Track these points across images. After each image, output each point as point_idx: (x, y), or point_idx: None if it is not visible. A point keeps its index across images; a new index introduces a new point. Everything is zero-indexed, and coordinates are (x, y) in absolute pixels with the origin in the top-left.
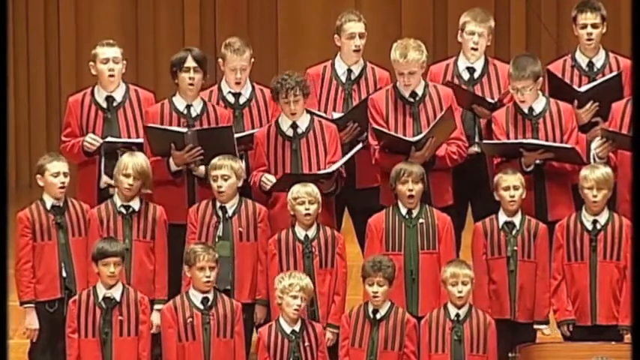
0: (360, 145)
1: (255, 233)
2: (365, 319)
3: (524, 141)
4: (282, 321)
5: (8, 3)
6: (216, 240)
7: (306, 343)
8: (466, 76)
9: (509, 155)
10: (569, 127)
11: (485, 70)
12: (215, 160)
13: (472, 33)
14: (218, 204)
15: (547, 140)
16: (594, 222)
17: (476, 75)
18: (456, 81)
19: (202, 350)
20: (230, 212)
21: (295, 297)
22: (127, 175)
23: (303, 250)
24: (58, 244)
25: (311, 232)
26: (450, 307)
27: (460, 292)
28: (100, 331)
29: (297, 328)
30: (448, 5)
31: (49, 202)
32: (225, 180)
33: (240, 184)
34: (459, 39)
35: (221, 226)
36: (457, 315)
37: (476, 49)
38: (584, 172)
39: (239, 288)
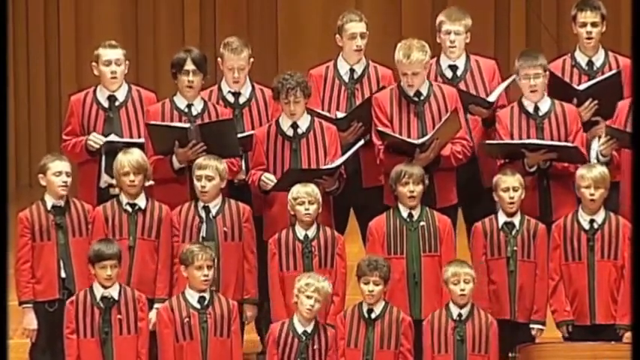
0: (362, 142)
1: (240, 233)
2: (360, 319)
3: (527, 141)
4: (295, 320)
5: (8, 3)
6: (200, 241)
7: (316, 346)
8: (449, 74)
9: (512, 156)
10: (573, 128)
11: (467, 67)
12: (200, 160)
13: (448, 32)
14: (201, 204)
15: (552, 141)
16: (591, 221)
17: (459, 72)
18: (439, 80)
19: (200, 349)
20: (214, 212)
21: (309, 297)
22: (127, 174)
23: (302, 250)
24: (57, 244)
25: (311, 232)
26: (452, 307)
27: (463, 290)
28: (100, 330)
29: (309, 329)
30: (448, 5)
31: (49, 202)
32: (209, 180)
33: (223, 185)
34: (438, 39)
35: (204, 226)
36: (459, 315)
37: (453, 48)
38: (582, 171)
39: (224, 288)
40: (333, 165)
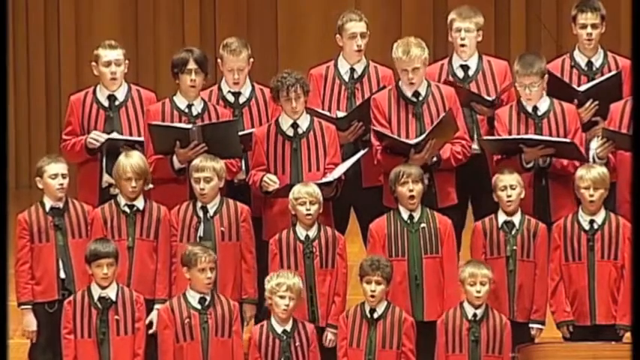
0: (361, 152)
1: (238, 233)
2: (362, 319)
3: (525, 137)
4: (273, 321)
5: (8, 3)
6: (198, 241)
7: (297, 343)
8: (461, 74)
9: (510, 152)
10: (572, 127)
11: (479, 67)
12: (196, 162)
13: (459, 30)
14: (199, 204)
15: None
16: (591, 222)
17: (470, 72)
18: (451, 79)
19: (200, 350)
20: (211, 212)
21: (283, 297)
22: (129, 179)
23: (303, 250)
24: (56, 245)
25: (312, 232)
26: (467, 306)
27: (479, 292)
28: (97, 331)
29: (288, 327)
30: (448, 5)
31: (48, 203)
32: (208, 182)
33: (222, 184)
34: (450, 38)
35: (202, 226)
36: (474, 315)
37: (464, 46)
38: (581, 171)
39: (221, 288)
40: (329, 179)
